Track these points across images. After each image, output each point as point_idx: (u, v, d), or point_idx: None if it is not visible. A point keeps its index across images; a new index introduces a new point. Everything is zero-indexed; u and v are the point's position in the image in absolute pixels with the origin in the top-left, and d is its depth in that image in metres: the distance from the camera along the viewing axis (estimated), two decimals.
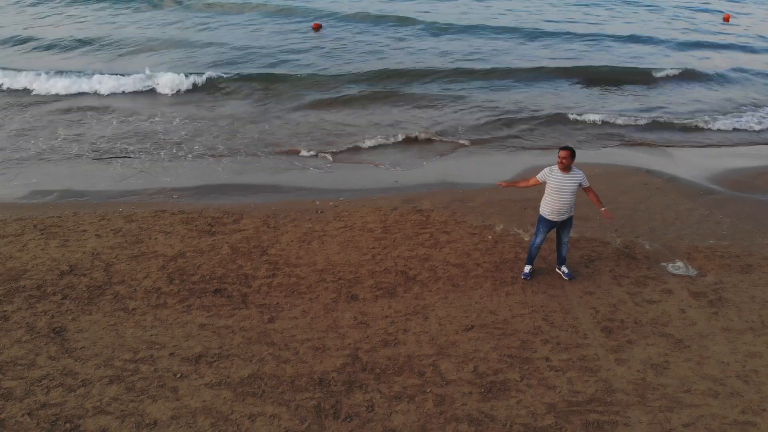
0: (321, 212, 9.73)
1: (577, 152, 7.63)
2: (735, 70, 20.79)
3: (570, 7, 31.32)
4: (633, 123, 14.97)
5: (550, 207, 7.57)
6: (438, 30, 24.37)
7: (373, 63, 19.47)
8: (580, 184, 7.50)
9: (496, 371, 6.29)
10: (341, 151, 12.74)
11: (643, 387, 6.12)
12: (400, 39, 22.95)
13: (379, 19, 25.21)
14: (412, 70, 18.61)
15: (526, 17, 27.85)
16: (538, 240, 7.80)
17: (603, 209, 7.66)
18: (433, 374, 6.23)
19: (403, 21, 25.05)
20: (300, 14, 25.84)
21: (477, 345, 6.70)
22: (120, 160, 11.99)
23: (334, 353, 6.51)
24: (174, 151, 12.50)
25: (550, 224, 7.69)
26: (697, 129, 14.87)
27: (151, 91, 16.54)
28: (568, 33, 24.83)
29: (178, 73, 16.94)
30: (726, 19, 29.02)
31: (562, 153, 7.34)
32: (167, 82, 16.63)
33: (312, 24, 23.93)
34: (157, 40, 21.50)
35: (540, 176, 7.57)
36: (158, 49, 20.39)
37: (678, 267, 8.43)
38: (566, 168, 7.39)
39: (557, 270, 8.15)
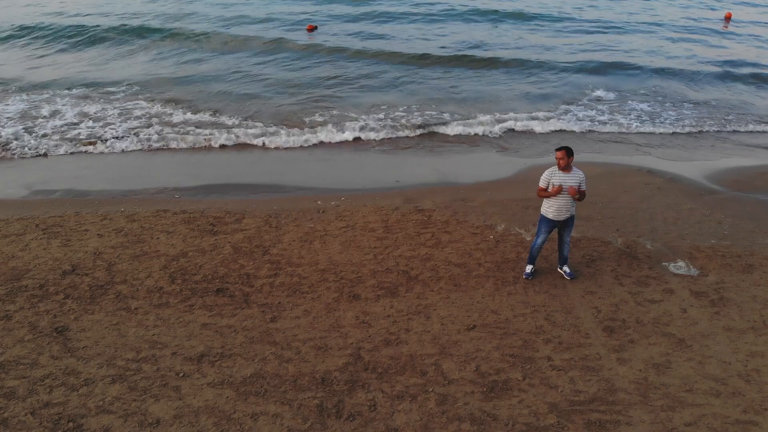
0: (322, 212, 9.74)
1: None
2: None
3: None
4: None
5: (552, 207, 7.58)
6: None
7: None
8: (580, 185, 7.50)
9: (498, 371, 6.29)
10: None
11: (645, 386, 6.12)
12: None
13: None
14: None
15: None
16: (539, 240, 7.80)
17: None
18: (436, 374, 6.23)
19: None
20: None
21: (479, 344, 6.70)
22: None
23: (336, 353, 6.51)
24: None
25: (551, 224, 7.70)
26: None
27: None
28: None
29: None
30: (727, 18, 28.64)
31: (558, 154, 7.37)
32: None
33: (306, 26, 23.85)
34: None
35: (542, 182, 7.58)
36: None
37: (679, 267, 8.43)
38: (566, 167, 7.40)
39: (559, 269, 8.15)
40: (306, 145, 13.22)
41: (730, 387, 6.15)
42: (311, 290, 7.65)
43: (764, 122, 15.74)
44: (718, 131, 14.98)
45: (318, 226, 9.23)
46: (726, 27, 26.91)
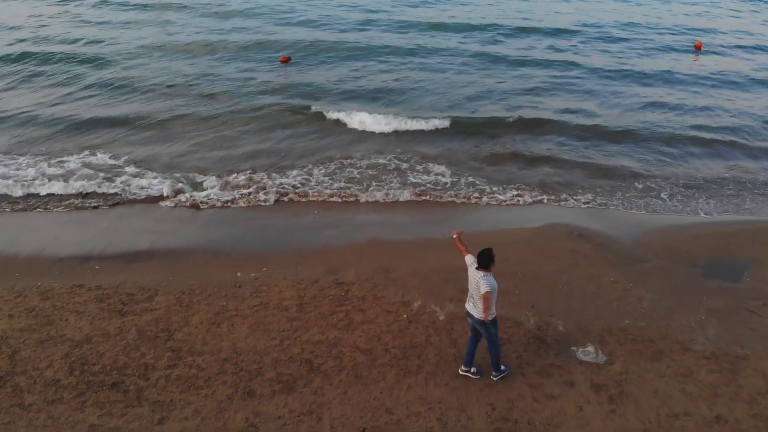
0: (239, 286, 9.66)
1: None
2: None
3: None
4: None
5: (468, 296, 7.49)
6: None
7: None
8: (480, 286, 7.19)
9: None
10: None
11: None
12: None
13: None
14: None
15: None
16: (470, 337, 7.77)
17: (485, 314, 7.27)
18: None
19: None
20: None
21: None
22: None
23: None
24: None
25: (468, 317, 7.55)
26: None
27: None
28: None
29: None
30: (697, 47, 27.83)
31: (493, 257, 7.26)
32: None
33: (280, 57, 23.54)
34: None
35: (467, 258, 7.50)
36: None
37: (588, 353, 8.41)
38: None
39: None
40: None
41: None
42: (207, 385, 7.63)
43: None
44: None
45: (230, 305, 9.17)
46: (696, 59, 26.14)
